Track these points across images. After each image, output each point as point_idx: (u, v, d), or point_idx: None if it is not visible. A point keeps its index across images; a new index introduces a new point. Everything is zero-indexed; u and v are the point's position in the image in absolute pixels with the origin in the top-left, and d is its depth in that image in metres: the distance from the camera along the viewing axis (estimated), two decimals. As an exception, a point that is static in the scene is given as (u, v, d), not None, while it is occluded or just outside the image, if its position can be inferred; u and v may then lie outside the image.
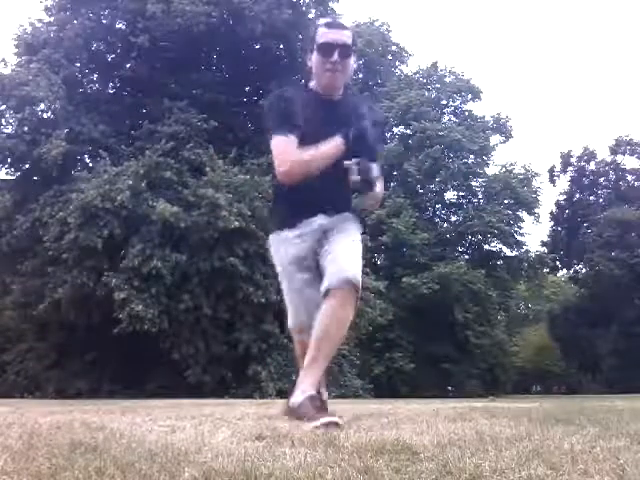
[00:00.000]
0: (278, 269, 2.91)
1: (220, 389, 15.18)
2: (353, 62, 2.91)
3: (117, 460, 1.37)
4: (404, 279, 25.51)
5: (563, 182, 38.97)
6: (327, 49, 2.80)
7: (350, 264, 2.60)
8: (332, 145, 2.67)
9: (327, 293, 2.54)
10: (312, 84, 2.93)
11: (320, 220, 2.76)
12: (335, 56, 2.79)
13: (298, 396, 2.52)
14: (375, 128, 2.73)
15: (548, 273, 38.19)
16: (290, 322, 2.87)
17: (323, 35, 2.85)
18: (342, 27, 2.89)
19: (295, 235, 2.77)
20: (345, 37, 2.85)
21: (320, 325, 2.54)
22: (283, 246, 2.82)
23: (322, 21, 2.95)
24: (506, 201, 30.41)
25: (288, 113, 2.74)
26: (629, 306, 32.20)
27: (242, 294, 15.84)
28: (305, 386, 2.54)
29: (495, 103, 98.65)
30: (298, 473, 1.20)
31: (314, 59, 2.87)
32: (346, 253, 2.64)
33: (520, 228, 30.75)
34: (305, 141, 2.67)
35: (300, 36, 19.86)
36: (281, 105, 2.81)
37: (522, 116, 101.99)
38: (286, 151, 2.69)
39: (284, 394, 15.94)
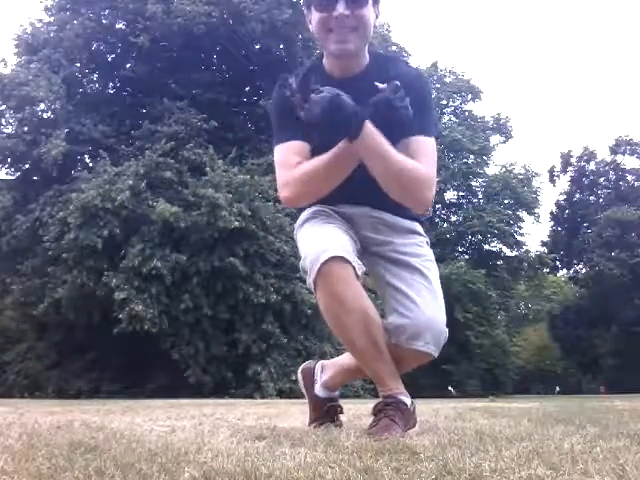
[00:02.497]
0: (302, 219, 2.14)
1: (220, 389, 15.18)
2: (373, 15, 2.00)
3: (117, 460, 1.37)
4: (404, 279, 25.48)
5: (563, 182, 39.08)
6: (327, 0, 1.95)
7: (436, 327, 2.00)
8: (330, 154, 1.91)
9: (401, 345, 1.99)
10: (324, 59, 2.09)
11: (366, 211, 2.11)
12: (340, 6, 1.93)
13: (322, 391, 2.34)
14: (412, 105, 1.85)
15: (548, 273, 38.21)
16: (324, 253, 1.86)
17: None
18: None
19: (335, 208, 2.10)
20: None
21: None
22: (319, 207, 2.10)
23: None
24: (506, 201, 30.43)
25: (287, 114, 1.98)
26: (629, 306, 32.20)
27: (242, 294, 15.84)
28: (335, 383, 2.33)
29: (495, 103, 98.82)
30: (298, 473, 1.20)
31: (313, 20, 2.02)
32: (429, 301, 2.01)
33: (520, 228, 30.84)
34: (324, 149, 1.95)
35: (300, 36, 19.90)
36: (278, 107, 2.07)
37: (522, 116, 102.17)
38: (286, 165, 2.00)
39: (284, 394, 15.96)
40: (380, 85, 1.89)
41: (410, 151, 1.95)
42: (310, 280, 1.90)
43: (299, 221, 2.16)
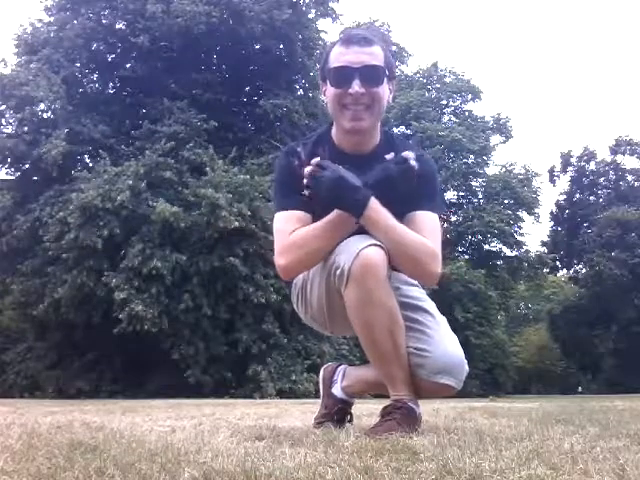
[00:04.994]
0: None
1: (220, 389, 15.18)
2: (387, 93, 2.05)
3: (117, 460, 1.37)
4: (404, 279, 25.47)
5: (563, 182, 39.00)
6: (343, 76, 1.96)
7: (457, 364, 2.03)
8: (326, 220, 1.93)
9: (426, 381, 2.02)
10: (333, 131, 2.11)
11: None
12: (356, 84, 1.95)
13: (340, 392, 2.34)
14: (420, 189, 1.94)
15: (548, 273, 38.17)
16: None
17: (338, 56, 2.00)
18: (366, 42, 1.99)
19: None
20: (369, 56, 1.98)
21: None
22: None
23: (339, 37, 2.11)
24: (506, 201, 30.42)
25: (291, 183, 2.00)
26: (629, 306, 32.19)
27: (242, 294, 15.84)
28: (353, 390, 2.34)
29: (495, 103, 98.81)
30: (298, 473, 1.20)
31: (328, 93, 2.04)
32: (444, 337, 2.05)
33: (520, 228, 30.81)
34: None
35: (300, 36, 19.90)
36: (283, 174, 2.09)
37: (522, 116, 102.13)
38: (283, 233, 1.99)
39: (284, 394, 15.96)
40: (387, 156, 1.94)
41: (416, 226, 1.98)
42: (345, 268, 1.86)
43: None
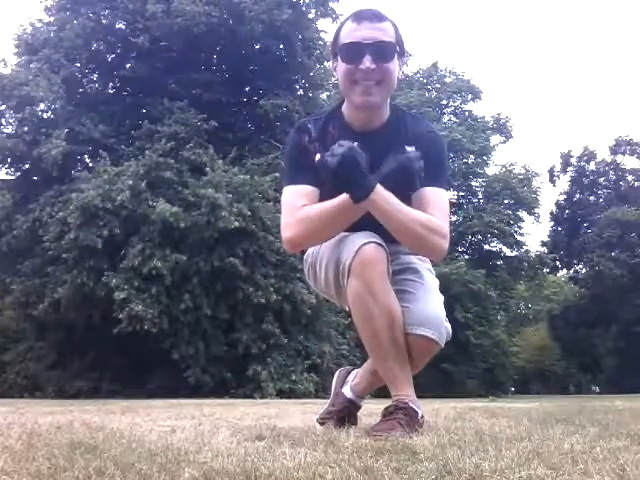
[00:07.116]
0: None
1: (220, 389, 15.19)
2: (398, 69, 2.05)
3: (117, 460, 1.37)
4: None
5: (563, 182, 38.99)
6: (354, 52, 1.98)
7: (437, 319, 2.03)
8: (337, 202, 1.93)
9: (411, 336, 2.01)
10: (344, 107, 2.13)
11: None
12: (366, 61, 1.97)
13: (349, 391, 2.36)
14: (428, 164, 1.93)
15: (548, 273, 38.18)
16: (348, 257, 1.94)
17: (349, 32, 2.01)
18: (377, 18, 2.02)
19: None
20: (380, 32, 2.00)
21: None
22: None
23: (351, 14, 2.10)
24: (506, 201, 30.43)
25: (301, 159, 2.05)
26: (629, 306, 32.19)
27: (242, 294, 15.84)
28: (360, 389, 2.34)
29: (495, 103, 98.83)
30: (298, 473, 1.20)
31: (339, 69, 2.05)
32: (422, 294, 2.07)
33: (520, 228, 30.84)
34: (334, 196, 1.96)
35: (300, 36, 19.90)
36: (294, 150, 2.11)
37: (522, 116, 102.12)
38: (291, 207, 2.03)
39: (284, 394, 15.93)
40: (408, 148, 1.93)
41: (423, 202, 2.00)
42: (346, 264, 1.93)
43: (313, 249, 2.18)
